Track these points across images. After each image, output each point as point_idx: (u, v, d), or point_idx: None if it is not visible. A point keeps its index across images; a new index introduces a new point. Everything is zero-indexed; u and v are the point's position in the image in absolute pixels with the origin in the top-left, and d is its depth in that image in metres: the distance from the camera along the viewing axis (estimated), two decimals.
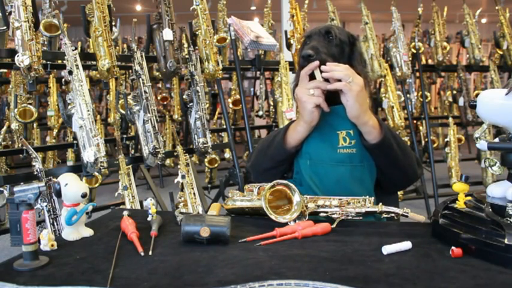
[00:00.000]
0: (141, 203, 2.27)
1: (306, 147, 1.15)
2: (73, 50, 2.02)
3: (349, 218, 0.99)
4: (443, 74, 5.19)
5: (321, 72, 1.08)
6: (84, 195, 0.90)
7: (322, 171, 1.13)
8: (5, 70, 3.73)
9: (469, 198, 0.90)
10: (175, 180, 2.32)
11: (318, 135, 1.15)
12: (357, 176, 1.13)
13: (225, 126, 3.01)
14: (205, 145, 2.53)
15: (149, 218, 0.96)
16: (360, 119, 1.08)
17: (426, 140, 3.98)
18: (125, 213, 0.99)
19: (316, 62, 1.08)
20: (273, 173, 1.19)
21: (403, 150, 1.14)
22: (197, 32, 2.70)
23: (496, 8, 3.94)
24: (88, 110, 1.99)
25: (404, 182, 1.27)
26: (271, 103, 4.18)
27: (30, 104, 3.34)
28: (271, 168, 1.19)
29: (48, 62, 2.36)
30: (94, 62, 2.32)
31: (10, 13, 1.95)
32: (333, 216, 0.99)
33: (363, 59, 1.24)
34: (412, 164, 1.18)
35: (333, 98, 1.15)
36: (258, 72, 4.15)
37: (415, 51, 3.86)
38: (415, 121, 4.85)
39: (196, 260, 0.78)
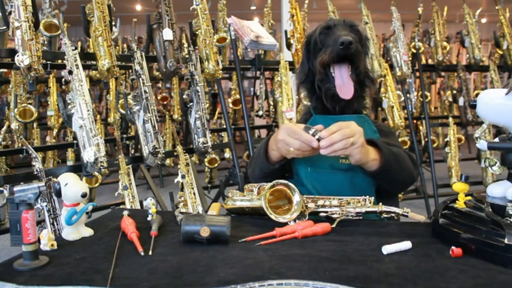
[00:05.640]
0: (141, 202, 2.27)
1: None
2: (73, 50, 2.02)
3: (349, 217, 0.99)
4: (443, 73, 5.19)
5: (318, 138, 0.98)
6: (84, 195, 0.90)
7: (324, 178, 1.13)
8: (5, 70, 3.73)
9: (469, 198, 0.90)
10: (175, 180, 2.33)
11: None
12: (358, 184, 1.12)
13: (225, 126, 3.01)
14: (205, 145, 2.53)
15: (149, 218, 0.96)
16: (361, 163, 1.05)
17: (426, 139, 3.98)
18: (125, 213, 0.99)
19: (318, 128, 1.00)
20: (267, 180, 1.14)
21: (401, 165, 1.11)
22: (197, 32, 2.70)
23: (496, 7, 3.94)
24: (88, 110, 1.99)
25: (402, 190, 1.27)
26: (271, 103, 4.19)
27: (30, 103, 3.34)
28: (263, 177, 1.17)
29: (48, 62, 2.36)
30: (94, 62, 2.32)
31: (10, 13, 1.95)
32: (333, 216, 0.99)
33: (368, 59, 1.23)
34: (410, 174, 1.15)
35: (336, 107, 1.14)
36: (258, 72, 4.15)
37: (415, 51, 3.86)
38: (415, 121, 4.85)
39: (196, 260, 0.78)
